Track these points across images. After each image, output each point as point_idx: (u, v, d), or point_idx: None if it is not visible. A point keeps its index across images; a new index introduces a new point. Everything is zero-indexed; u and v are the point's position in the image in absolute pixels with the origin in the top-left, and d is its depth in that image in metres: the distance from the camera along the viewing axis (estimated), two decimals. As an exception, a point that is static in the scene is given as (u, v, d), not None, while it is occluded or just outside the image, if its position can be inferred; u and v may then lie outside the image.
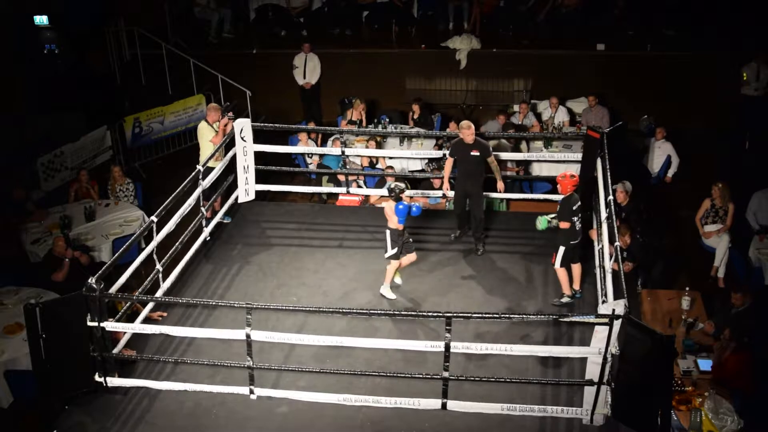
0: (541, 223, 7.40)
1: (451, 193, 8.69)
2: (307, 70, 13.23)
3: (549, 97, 12.24)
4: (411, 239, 7.70)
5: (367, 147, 10.73)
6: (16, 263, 9.14)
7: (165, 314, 7.43)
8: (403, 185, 7.55)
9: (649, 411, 5.59)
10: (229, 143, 9.13)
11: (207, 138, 9.12)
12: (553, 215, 7.41)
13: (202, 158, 8.96)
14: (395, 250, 7.51)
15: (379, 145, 11.06)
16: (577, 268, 7.54)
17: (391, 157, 10.93)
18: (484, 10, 14.39)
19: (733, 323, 7.16)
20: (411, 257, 7.73)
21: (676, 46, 13.46)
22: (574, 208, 7.21)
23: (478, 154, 8.16)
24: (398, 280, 7.88)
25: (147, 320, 7.12)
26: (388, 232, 7.53)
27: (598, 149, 8.36)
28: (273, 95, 13.77)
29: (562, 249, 7.24)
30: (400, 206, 7.31)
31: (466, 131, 8.09)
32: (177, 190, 7.80)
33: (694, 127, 12.10)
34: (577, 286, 7.56)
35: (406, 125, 12.11)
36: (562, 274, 7.37)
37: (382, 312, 6.99)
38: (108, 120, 12.02)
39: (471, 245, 8.54)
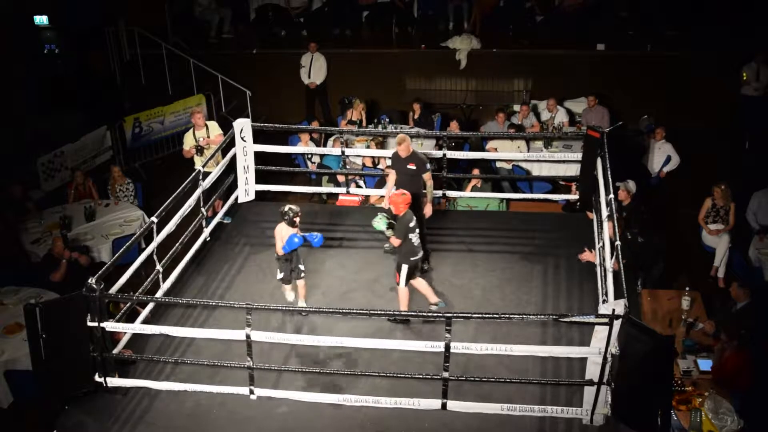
0: (381, 222, 7.23)
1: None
2: (313, 69, 13.24)
3: (549, 97, 12.23)
4: (302, 265, 7.30)
5: (368, 147, 10.73)
6: (16, 263, 9.15)
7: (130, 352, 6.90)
8: (297, 208, 7.14)
9: (649, 411, 5.59)
10: (229, 144, 9.14)
11: (185, 148, 9.41)
12: (390, 221, 7.25)
13: (196, 165, 9.05)
14: (282, 274, 7.27)
15: (381, 146, 11.06)
16: (422, 284, 7.29)
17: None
18: (484, 10, 14.39)
19: (733, 322, 7.17)
20: (300, 284, 7.35)
21: (676, 46, 13.47)
22: (410, 225, 6.98)
23: (414, 167, 7.74)
24: (290, 296, 7.48)
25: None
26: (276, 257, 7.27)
27: (598, 149, 8.37)
28: (273, 95, 13.79)
29: (405, 267, 6.99)
30: (295, 239, 6.98)
31: (397, 145, 7.73)
32: (177, 191, 7.80)
33: (694, 127, 12.10)
34: (433, 298, 7.30)
35: (406, 125, 12.11)
36: (404, 294, 7.09)
37: (382, 312, 6.99)
38: (108, 120, 12.03)
39: (470, 245, 8.54)
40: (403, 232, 6.95)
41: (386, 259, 8.24)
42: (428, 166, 7.80)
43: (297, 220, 7.10)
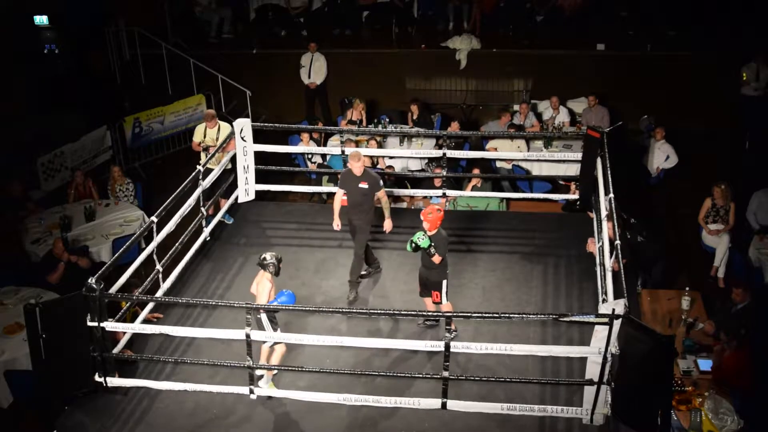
0: (425, 240, 6.60)
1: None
2: (313, 69, 13.23)
3: (549, 97, 12.23)
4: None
5: (367, 147, 10.73)
6: (16, 263, 9.14)
7: (161, 316, 7.41)
8: (278, 254, 6.31)
9: (649, 411, 5.58)
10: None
11: (194, 140, 9.43)
12: (429, 237, 6.64)
13: (202, 159, 9.04)
14: (278, 330, 6.34)
15: (380, 145, 11.06)
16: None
17: (391, 157, 10.95)
18: (484, 10, 14.40)
19: (733, 322, 7.16)
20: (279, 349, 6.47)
21: (676, 46, 13.48)
22: (449, 240, 6.90)
23: (366, 186, 7.44)
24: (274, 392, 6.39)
25: (144, 321, 7.11)
26: (262, 317, 6.20)
27: (598, 149, 8.37)
28: (273, 95, 13.79)
29: (445, 283, 6.83)
30: (283, 297, 6.16)
31: (354, 162, 7.38)
32: (177, 190, 7.80)
33: (694, 127, 12.10)
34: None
35: (406, 125, 12.11)
36: (449, 309, 6.89)
37: (382, 312, 6.99)
38: (108, 120, 12.03)
39: (468, 245, 8.53)
40: (445, 248, 6.82)
41: (386, 259, 8.24)
42: (381, 183, 7.57)
43: (281, 266, 6.32)
